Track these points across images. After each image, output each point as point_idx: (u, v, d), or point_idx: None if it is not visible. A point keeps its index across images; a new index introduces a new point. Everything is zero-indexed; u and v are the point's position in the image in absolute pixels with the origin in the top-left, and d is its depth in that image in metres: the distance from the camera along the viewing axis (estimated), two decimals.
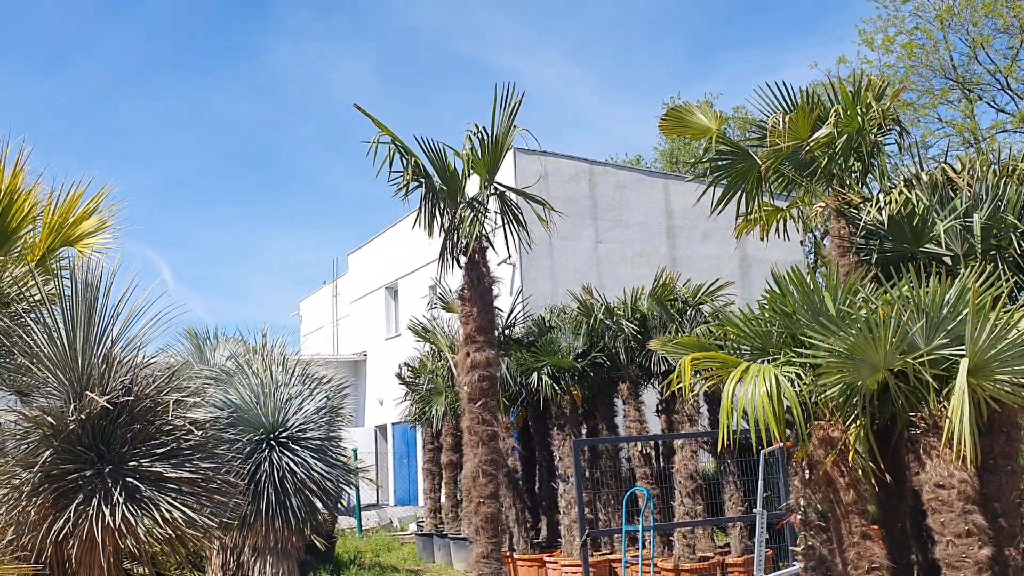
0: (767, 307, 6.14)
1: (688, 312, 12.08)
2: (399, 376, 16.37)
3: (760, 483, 7.78)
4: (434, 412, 14.78)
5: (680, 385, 5.79)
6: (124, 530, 4.79)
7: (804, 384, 5.67)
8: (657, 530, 10.92)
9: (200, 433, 5.30)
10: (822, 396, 5.65)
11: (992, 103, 28.34)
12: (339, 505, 8.87)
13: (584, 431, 12.87)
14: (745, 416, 5.49)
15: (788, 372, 5.61)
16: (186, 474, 5.08)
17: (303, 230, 71.81)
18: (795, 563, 7.96)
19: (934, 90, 28.02)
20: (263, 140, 72.03)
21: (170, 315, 5.49)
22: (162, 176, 72.51)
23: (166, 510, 4.85)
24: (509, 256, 18.02)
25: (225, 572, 9.73)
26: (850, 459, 5.63)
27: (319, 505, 7.96)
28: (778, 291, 6.00)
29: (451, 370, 13.87)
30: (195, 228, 73.53)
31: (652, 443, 11.98)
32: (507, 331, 12.93)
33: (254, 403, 7.85)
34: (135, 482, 4.91)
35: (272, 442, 7.70)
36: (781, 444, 6.15)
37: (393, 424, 24.58)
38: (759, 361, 5.85)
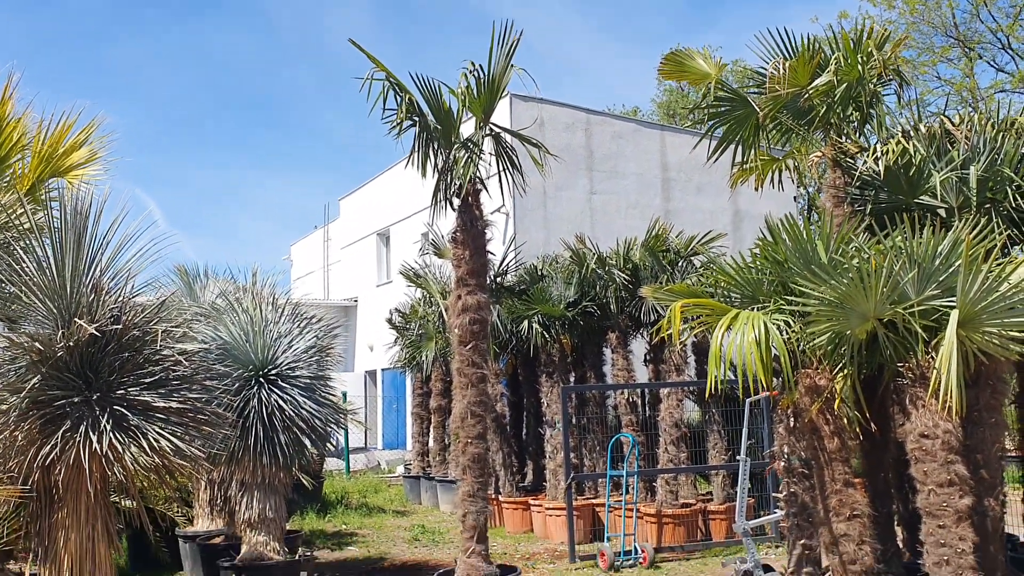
0: (759, 255, 6.13)
1: (680, 263, 12.09)
2: (390, 321, 16.40)
3: (744, 431, 7.85)
4: (424, 357, 14.85)
5: (669, 332, 5.79)
6: (111, 457, 4.81)
7: (793, 332, 5.68)
8: (641, 476, 11.05)
9: (189, 364, 5.30)
10: (810, 344, 5.66)
11: (992, 62, 28.15)
12: (328, 445, 8.92)
13: (572, 379, 12.95)
14: (733, 367, 5.50)
15: (777, 320, 5.62)
16: (174, 404, 5.09)
17: (295, 174, 71.35)
18: (777, 510, 8.06)
19: (934, 47, 27.81)
20: (258, 82, 71.18)
21: (159, 248, 5.47)
22: (154, 116, 71.76)
23: (153, 439, 4.87)
24: (503, 205, 17.93)
25: (212, 507, 9.83)
26: (836, 408, 5.67)
27: (307, 443, 8.01)
28: (771, 239, 5.98)
29: (442, 316, 13.87)
30: (186, 169, 72.98)
31: (639, 391, 12.07)
32: (499, 279, 12.91)
33: (243, 340, 7.85)
34: (123, 410, 4.91)
35: (261, 379, 7.71)
36: (767, 393, 6.19)
37: (383, 370, 24.70)
38: (749, 309, 5.85)
